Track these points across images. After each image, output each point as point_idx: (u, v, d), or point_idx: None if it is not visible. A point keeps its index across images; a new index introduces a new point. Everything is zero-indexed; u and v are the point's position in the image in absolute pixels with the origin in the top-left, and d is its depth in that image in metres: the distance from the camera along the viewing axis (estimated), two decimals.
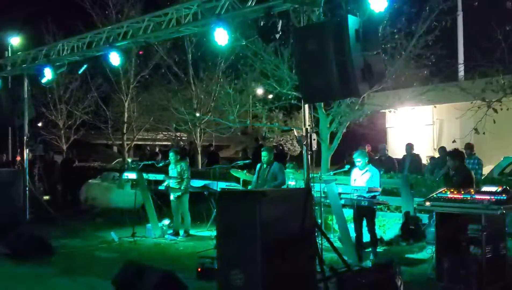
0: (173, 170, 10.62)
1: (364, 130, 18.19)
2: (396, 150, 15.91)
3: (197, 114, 17.37)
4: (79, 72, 11.47)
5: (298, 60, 6.13)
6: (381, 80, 8.56)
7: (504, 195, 6.22)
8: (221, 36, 7.65)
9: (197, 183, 11.30)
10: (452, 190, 6.70)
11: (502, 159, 11.56)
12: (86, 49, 10.16)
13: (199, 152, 17.76)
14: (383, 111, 16.66)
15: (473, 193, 6.49)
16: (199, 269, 7.24)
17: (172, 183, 10.50)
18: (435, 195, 6.73)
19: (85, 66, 10.71)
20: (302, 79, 6.03)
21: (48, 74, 10.83)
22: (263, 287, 5.13)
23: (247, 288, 5.24)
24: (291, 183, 9.97)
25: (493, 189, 6.52)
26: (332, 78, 5.44)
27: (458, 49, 17.72)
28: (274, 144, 19.56)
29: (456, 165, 7.83)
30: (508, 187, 6.52)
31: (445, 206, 6.48)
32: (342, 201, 8.59)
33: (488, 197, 6.21)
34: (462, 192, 6.63)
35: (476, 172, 10.70)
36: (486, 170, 11.62)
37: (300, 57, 5.97)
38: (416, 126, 17.64)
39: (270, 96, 16.52)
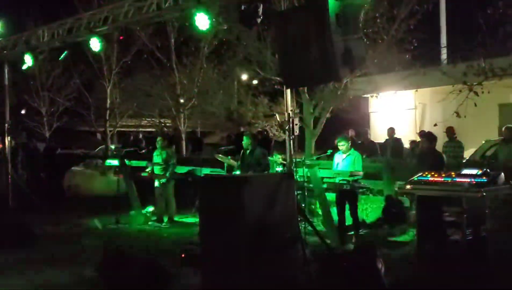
0: (158, 156, 10.59)
1: (347, 115, 18.22)
2: (379, 135, 16.02)
3: (181, 100, 17.25)
4: (60, 59, 11.30)
5: (279, 44, 6.10)
6: (362, 65, 8.56)
7: (484, 178, 6.30)
8: (202, 21, 7.58)
9: (181, 169, 11.30)
10: (433, 173, 6.77)
11: (483, 142, 11.70)
12: (67, 35, 10.00)
13: (183, 138, 17.68)
14: (366, 96, 16.73)
15: (454, 176, 6.57)
16: (182, 255, 7.25)
17: (156, 169, 10.46)
18: (415, 178, 6.80)
19: (66, 52, 10.57)
20: (283, 63, 6.01)
21: (28, 61, 10.66)
22: (247, 271, 5.16)
23: (231, 273, 5.27)
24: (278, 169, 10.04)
25: (473, 171, 6.60)
26: (313, 62, 5.42)
27: (440, 33, 17.80)
28: (259, 129, 19.50)
29: (430, 147, 8.03)
30: (488, 170, 6.60)
31: (426, 189, 6.56)
32: (325, 185, 8.65)
33: (469, 180, 6.29)
34: (443, 175, 6.71)
35: (457, 155, 10.84)
36: (468, 154, 11.75)
37: (281, 42, 5.95)
38: (398, 110, 17.75)
39: (255, 82, 16.44)
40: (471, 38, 10.13)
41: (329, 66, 5.37)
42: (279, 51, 6.19)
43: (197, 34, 14.29)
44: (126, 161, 10.67)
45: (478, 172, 6.45)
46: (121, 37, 9.30)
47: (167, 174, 10.39)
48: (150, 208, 10.72)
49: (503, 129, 10.54)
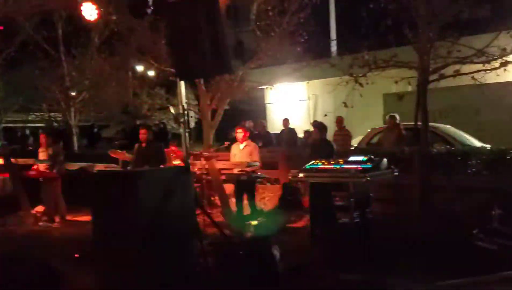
0: (43, 153, 10.07)
1: (245, 107, 18.52)
2: (276, 125, 16.46)
3: (72, 94, 16.49)
4: None
5: (170, 36, 6.04)
6: (254, 57, 8.73)
7: (369, 164, 6.72)
8: (89, 11, 7.31)
9: (73, 165, 10.86)
10: (323, 161, 7.10)
11: (369, 130, 12.43)
12: None
13: (75, 133, 16.92)
14: (262, 87, 17.04)
15: (342, 163, 6.94)
16: (76, 255, 7.01)
17: (42, 166, 9.95)
18: (307, 166, 7.08)
19: None
20: (176, 56, 5.95)
21: None
22: (142, 267, 5.09)
23: (126, 270, 5.17)
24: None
25: (359, 158, 7.02)
26: (205, 55, 5.42)
27: (330, 27, 18.58)
28: (156, 122, 19.19)
29: (321, 137, 8.44)
30: (373, 156, 7.05)
31: (317, 176, 6.86)
32: (223, 177, 8.74)
33: (355, 166, 6.67)
34: (332, 162, 7.06)
35: (346, 143, 11.44)
36: (355, 142, 12.44)
37: (172, 33, 5.89)
38: (293, 101, 18.33)
39: (151, 73, 16.07)
40: (357, 31, 10.63)
41: (221, 58, 5.41)
42: (171, 43, 6.13)
43: (86, 25, 13.71)
44: (12, 159, 10.02)
45: (363, 158, 6.86)
46: (1, 27, 8.66)
47: (54, 171, 9.92)
48: (40, 208, 10.17)
49: (387, 117, 11.29)
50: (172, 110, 6.88)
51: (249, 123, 14.04)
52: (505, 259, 6.01)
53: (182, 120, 6.32)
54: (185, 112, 6.32)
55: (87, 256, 6.76)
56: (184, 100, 6.34)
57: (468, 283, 5.49)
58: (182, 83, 6.44)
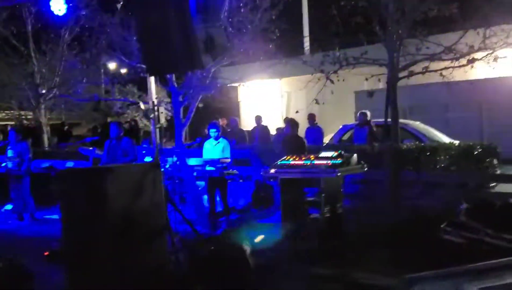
0: (11, 150, 9.90)
1: (218, 104, 18.51)
2: (249, 122, 16.50)
3: (43, 91, 16.18)
4: None
5: (140, 31, 6.00)
6: (224, 53, 8.72)
7: (339, 159, 6.78)
8: (58, 4, 7.20)
9: (43, 163, 10.71)
10: (294, 157, 7.14)
11: (340, 127, 12.56)
12: None
13: (45, 131, 16.63)
14: (235, 85, 17.05)
15: (313, 158, 6.98)
16: (46, 253, 6.92)
17: (10, 164, 9.78)
18: (279, 162, 7.11)
19: None
20: (145, 51, 5.92)
21: None
22: (113, 265, 5.05)
23: (96, 267, 5.11)
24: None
25: (330, 154, 7.07)
26: (175, 50, 5.40)
27: (303, 24, 18.67)
28: (128, 120, 19.00)
29: (293, 133, 8.51)
30: (343, 152, 7.11)
31: (288, 172, 6.90)
32: (195, 174, 8.72)
33: (325, 162, 6.73)
34: (303, 158, 7.10)
35: (318, 140, 11.54)
36: (327, 138, 12.56)
37: (142, 28, 5.85)
38: (266, 98, 18.39)
39: (124, 70, 15.87)
40: (329, 28, 10.70)
41: (191, 54, 5.39)
42: (141, 38, 6.09)
43: (57, 20, 13.47)
44: None
45: (333, 154, 6.92)
46: None
47: (22, 169, 9.76)
48: (9, 206, 10.00)
49: (358, 114, 11.42)
50: (142, 106, 6.83)
51: (222, 120, 14.04)
52: (471, 252, 6.15)
53: (152, 115, 6.29)
54: (155, 107, 6.28)
55: (56, 254, 6.70)
56: (154, 95, 6.31)
57: (435, 276, 5.61)
58: (152, 79, 6.40)
